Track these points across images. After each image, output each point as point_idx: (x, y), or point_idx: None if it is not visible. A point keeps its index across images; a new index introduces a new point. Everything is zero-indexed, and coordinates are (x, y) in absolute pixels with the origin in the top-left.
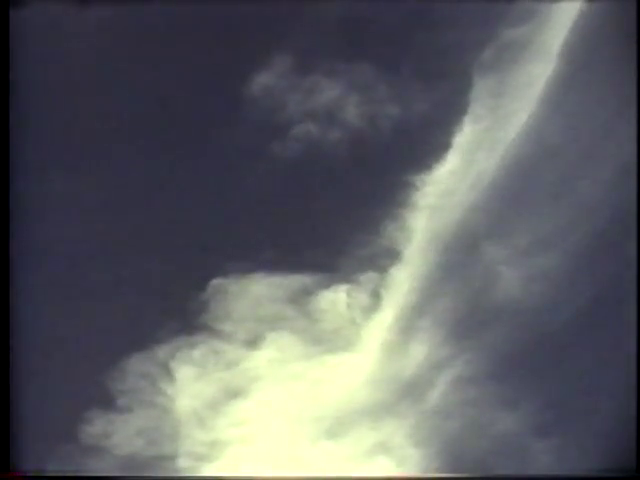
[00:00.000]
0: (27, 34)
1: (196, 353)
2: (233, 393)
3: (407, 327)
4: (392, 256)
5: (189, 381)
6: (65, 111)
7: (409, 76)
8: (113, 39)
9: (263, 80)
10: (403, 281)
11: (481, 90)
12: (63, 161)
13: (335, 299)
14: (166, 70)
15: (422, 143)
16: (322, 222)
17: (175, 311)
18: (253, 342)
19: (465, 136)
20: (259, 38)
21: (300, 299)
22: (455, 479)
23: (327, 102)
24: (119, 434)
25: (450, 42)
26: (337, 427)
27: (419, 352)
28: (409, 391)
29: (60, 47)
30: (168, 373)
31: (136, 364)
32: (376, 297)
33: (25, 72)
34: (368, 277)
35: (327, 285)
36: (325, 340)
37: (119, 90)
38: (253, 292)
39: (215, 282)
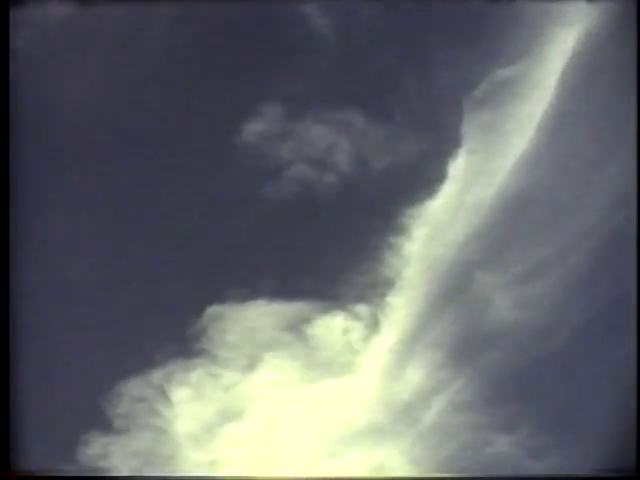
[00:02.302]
0: (27, 33)
1: (193, 376)
2: (230, 415)
3: (404, 351)
4: (389, 284)
5: (186, 404)
6: (65, 113)
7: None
8: (112, 44)
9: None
10: (400, 307)
11: (475, 126)
12: (62, 170)
13: (334, 325)
14: (165, 117)
15: (418, 177)
16: (321, 251)
17: (173, 336)
18: (251, 366)
19: (460, 169)
20: (253, 86)
21: (299, 325)
22: (455, 479)
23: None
24: (117, 455)
25: (445, 82)
26: (336, 448)
27: (416, 376)
28: (406, 413)
29: (60, 47)
30: (165, 396)
31: (134, 388)
32: (374, 323)
33: (25, 72)
34: (366, 304)
35: (326, 312)
36: (323, 365)
37: (118, 99)
38: (251, 318)
39: (213, 309)
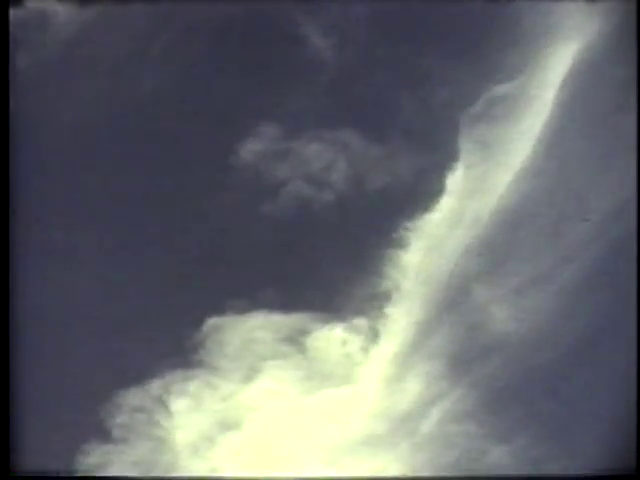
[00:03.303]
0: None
1: (192, 387)
2: (229, 425)
3: (403, 362)
4: (388, 296)
5: (185, 414)
6: (64, 111)
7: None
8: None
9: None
10: (398, 319)
11: (472, 141)
12: (61, 169)
13: (333, 336)
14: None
15: (416, 191)
16: (320, 264)
17: (173, 347)
18: (250, 377)
19: (458, 183)
20: (251, 106)
21: (298, 337)
22: (455, 479)
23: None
24: (116, 465)
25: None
26: (335, 457)
27: (415, 386)
28: (405, 423)
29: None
30: (164, 406)
31: (134, 398)
32: (373, 334)
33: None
34: (365, 315)
35: (325, 323)
36: (323, 375)
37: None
38: (251, 329)
39: (212, 320)
